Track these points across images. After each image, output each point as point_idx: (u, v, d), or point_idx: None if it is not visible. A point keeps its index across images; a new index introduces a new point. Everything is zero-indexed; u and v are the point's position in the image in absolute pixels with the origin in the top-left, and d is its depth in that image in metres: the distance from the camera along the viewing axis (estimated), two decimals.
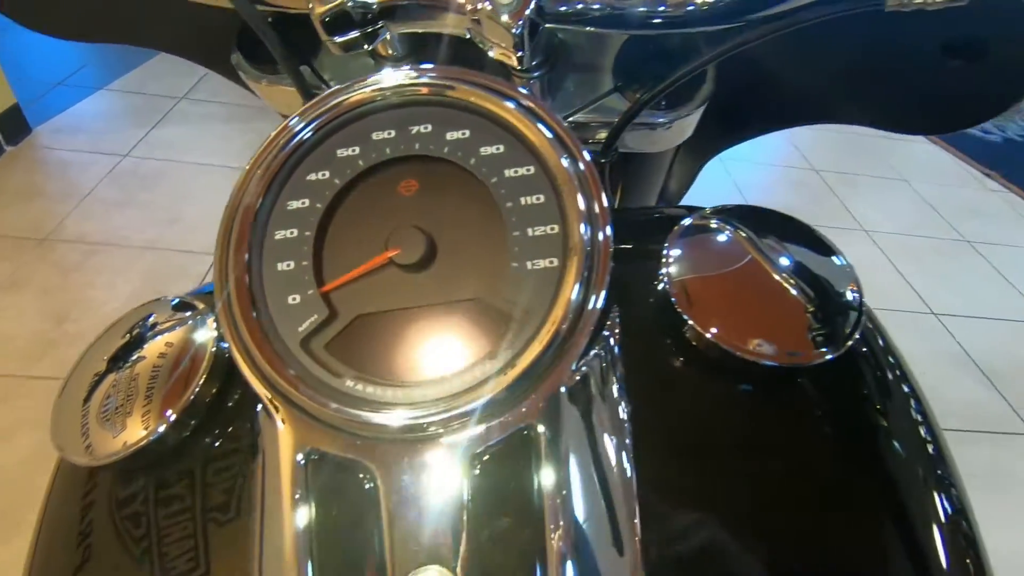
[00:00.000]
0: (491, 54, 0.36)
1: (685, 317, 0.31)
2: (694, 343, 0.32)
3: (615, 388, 0.28)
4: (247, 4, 0.37)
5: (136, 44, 0.55)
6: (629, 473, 0.27)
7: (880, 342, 0.35)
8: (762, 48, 0.45)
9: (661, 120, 0.46)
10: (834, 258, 0.34)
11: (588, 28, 0.35)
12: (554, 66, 0.45)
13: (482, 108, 0.26)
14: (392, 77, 0.28)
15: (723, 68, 0.45)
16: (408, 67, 0.28)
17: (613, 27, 0.34)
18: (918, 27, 0.34)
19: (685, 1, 0.31)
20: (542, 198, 0.25)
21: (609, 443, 0.27)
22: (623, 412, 0.28)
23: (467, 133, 0.26)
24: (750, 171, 2.74)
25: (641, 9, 0.32)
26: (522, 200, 0.25)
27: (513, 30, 0.34)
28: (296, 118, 0.27)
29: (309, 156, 0.27)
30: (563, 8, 0.34)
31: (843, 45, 0.42)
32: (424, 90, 0.27)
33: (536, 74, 0.45)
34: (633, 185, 0.59)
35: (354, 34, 0.36)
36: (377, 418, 0.22)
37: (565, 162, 0.25)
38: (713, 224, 0.35)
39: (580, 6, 0.33)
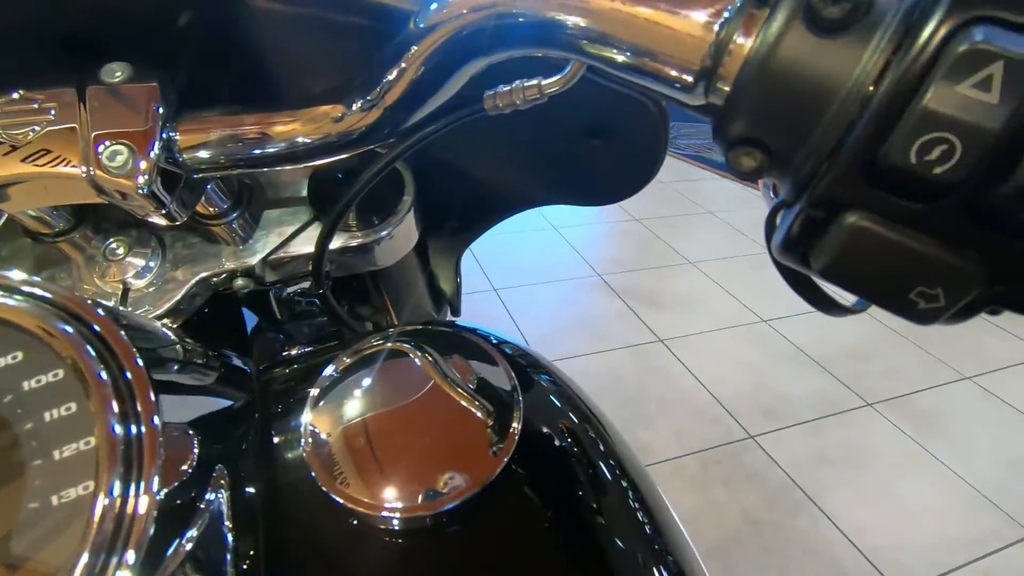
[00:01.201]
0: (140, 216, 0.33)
1: (333, 497, 0.26)
2: (347, 515, 0.27)
3: None
4: None
5: None
6: None
7: (573, 416, 0.34)
8: (441, 152, 0.47)
9: (383, 234, 0.46)
10: (489, 359, 0.33)
11: (232, 172, 0.33)
12: (248, 205, 0.43)
13: None
14: None
15: (419, 175, 0.46)
16: None
17: (252, 168, 0.32)
18: (557, 114, 0.37)
19: (289, 137, 0.30)
20: (73, 407, 0.20)
21: None
22: None
23: None
24: (583, 233, 2.97)
25: (270, 150, 0.31)
26: (46, 415, 0.20)
27: (139, 191, 0.31)
28: None
29: None
30: (199, 155, 0.32)
31: (509, 139, 0.45)
32: None
33: (231, 216, 0.42)
34: (397, 299, 0.57)
35: None
36: None
37: (95, 360, 0.21)
38: (359, 356, 0.32)
39: (212, 156, 0.31)
